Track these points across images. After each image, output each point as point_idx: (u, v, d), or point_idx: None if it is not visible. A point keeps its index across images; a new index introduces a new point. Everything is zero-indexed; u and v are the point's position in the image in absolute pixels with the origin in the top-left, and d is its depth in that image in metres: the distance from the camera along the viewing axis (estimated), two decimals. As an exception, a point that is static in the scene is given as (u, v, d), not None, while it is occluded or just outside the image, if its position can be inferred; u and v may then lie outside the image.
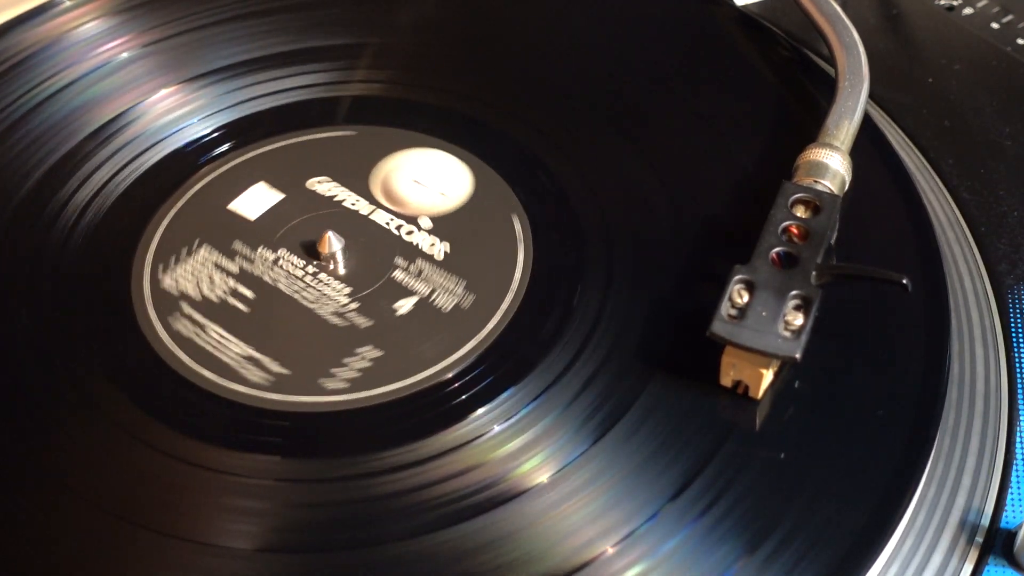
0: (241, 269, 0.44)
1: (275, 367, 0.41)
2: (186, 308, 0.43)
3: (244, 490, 0.37)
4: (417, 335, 0.41)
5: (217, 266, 0.44)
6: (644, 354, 0.40)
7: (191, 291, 0.43)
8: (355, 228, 0.45)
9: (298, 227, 0.46)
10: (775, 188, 0.42)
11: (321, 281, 0.44)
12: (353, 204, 0.46)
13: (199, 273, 0.44)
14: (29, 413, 0.40)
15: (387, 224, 0.45)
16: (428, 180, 0.47)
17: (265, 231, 0.46)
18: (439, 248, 0.44)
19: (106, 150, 0.50)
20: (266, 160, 0.49)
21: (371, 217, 0.46)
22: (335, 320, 0.42)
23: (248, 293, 0.43)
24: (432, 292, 0.42)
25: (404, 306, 0.42)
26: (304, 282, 0.44)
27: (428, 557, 0.35)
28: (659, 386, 0.39)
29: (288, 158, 0.49)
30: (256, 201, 0.47)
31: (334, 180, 0.48)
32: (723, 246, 0.43)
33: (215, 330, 0.42)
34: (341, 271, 0.44)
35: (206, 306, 0.43)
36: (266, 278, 0.44)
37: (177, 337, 0.42)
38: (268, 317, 0.43)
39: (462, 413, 0.39)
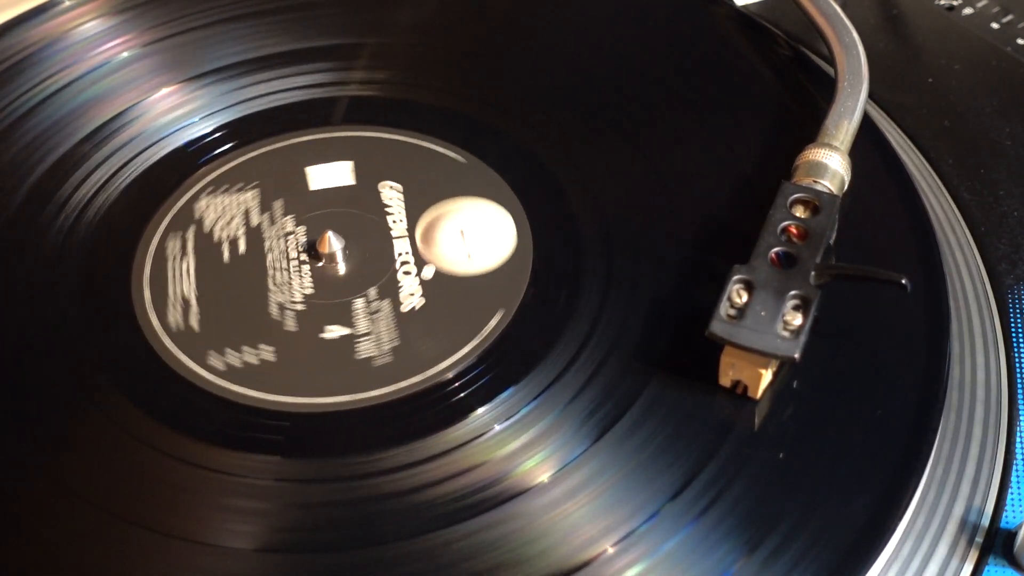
0: (258, 226, 0.45)
1: (193, 320, 0.41)
2: (190, 232, 0.43)
3: (244, 490, 0.37)
4: (314, 362, 0.41)
5: (246, 212, 0.44)
6: (644, 354, 0.40)
7: (208, 221, 0.44)
8: (374, 243, 0.45)
9: (332, 216, 0.46)
10: (774, 188, 0.42)
11: (300, 272, 0.44)
12: (394, 222, 0.46)
13: (229, 210, 0.44)
14: (29, 413, 0.40)
15: (398, 255, 0.45)
16: (472, 237, 0.45)
17: (308, 205, 0.47)
18: (413, 301, 0.43)
19: (106, 149, 0.50)
20: (363, 145, 0.49)
21: (394, 240, 0.45)
22: (274, 310, 0.42)
23: (242, 248, 0.44)
24: (365, 335, 0.42)
25: (332, 333, 0.42)
26: (287, 265, 0.44)
27: (428, 557, 0.35)
28: (659, 386, 0.39)
29: (387, 153, 0.49)
30: (330, 176, 0.47)
31: (403, 193, 0.47)
32: (722, 246, 0.43)
33: (189, 262, 0.42)
34: (323, 272, 0.44)
35: (203, 240, 0.44)
36: (266, 244, 0.44)
37: (159, 255, 0.43)
38: (233, 277, 0.43)
39: (462, 413, 0.39)
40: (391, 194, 0.47)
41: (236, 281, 0.44)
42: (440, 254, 0.45)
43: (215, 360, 0.41)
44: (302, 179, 0.48)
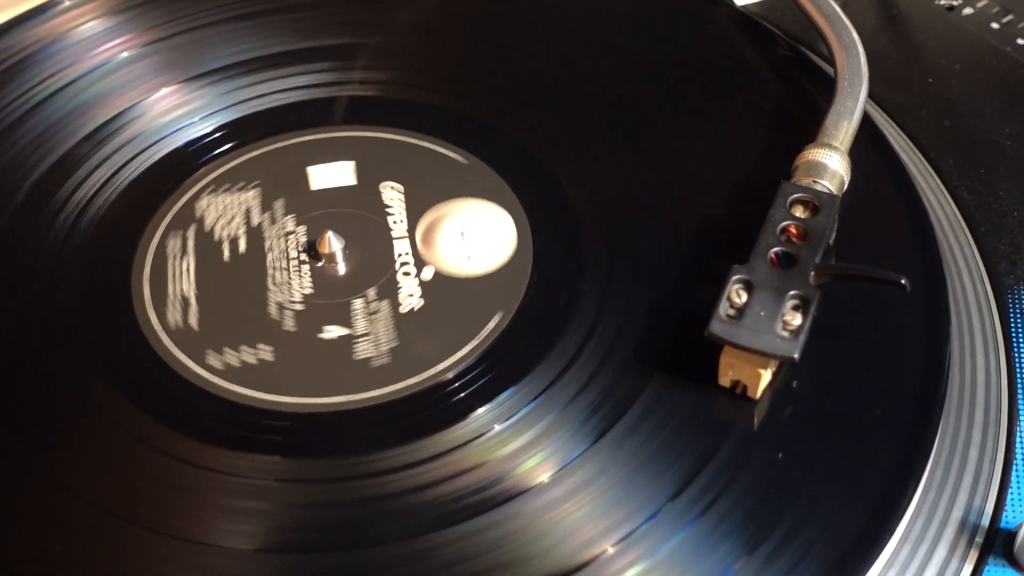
0: (259, 225, 0.45)
1: (192, 319, 0.41)
2: (190, 231, 0.43)
3: (244, 490, 0.37)
4: (313, 362, 0.41)
5: (247, 212, 0.44)
6: (643, 354, 0.40)
7: (209, 220, 0.44)
8: (374, 243, 0.45)
9: (332, 216, 0.46)
10: (774, 188, 0.42)
11: (299, 272, 0.44)
12: (395, 222, 0.46)
13: (230, 209, 0.44)
14: (29, 413, 0.40)
15: (398, 256, 0.45)
16: (472, 238, 0.45)
17: (309, 205, 0.47)
18: (412, 303, 0.43)
19: (106, 149, 0.50)
20: (364, 145, 0.49)
21: (394, 241, 0.45)
22: (273, 310, 0.42)
23: (243, 247, 0.44)
24: (363, 335, 0.42)
25: (330, 333, 0.42)
26: (287, 264, 0.44)
27: (428, 557, 0.35)
28: (658, 386, 0.39)
29: (388, 154, 0.49)
30: (331, 176, 0.47)
31: (404, 194, 0.47)
32: (722, 246, 0.43)
33: (189, 261, 0.42)
34: (323, 271, 0.44)
35: (203, 239, 0.44)
36: (266, 243, 0.44)
37: (159, 255, 0.43)
38: (232, 276, 0.43)
39: (463, 413, 0.39)
40: (392, 194, 0.47)
41: (236, 280, 0.44)
42: (440, 255, 0.45)
43: (213, 359, 0.41)
44: (303, 179, 0.48)
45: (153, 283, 0.44)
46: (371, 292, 0.43)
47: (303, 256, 0.45)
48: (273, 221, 0.46)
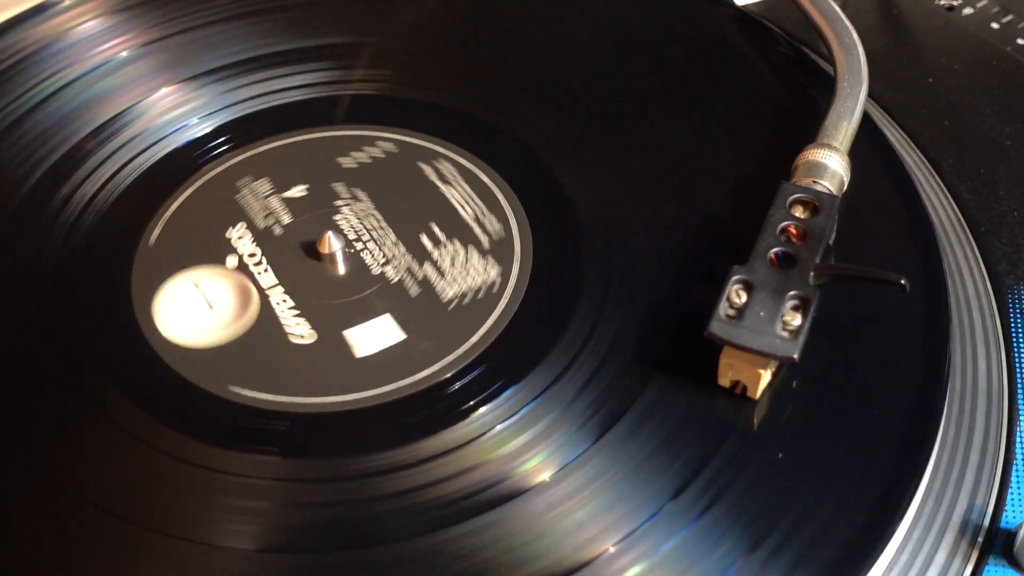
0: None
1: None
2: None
3: (244, 490, 0.37)
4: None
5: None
6: (643, 354, 0.40)
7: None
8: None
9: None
10: (774, 188, 0.42)
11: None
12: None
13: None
14: (29, 413, 0.40)
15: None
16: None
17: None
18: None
19: (106, 149, 0.50)
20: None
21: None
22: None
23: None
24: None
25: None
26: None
27: (428, 557, 0.35)
28: (658, 386, 0.39)
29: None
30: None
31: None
32: (722, 246, 0.43)
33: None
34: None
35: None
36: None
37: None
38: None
39: (462, 413, 0.39)
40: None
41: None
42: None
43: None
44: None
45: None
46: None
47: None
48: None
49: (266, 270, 0.44)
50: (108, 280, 0.44)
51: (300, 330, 0.42)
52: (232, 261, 0.45)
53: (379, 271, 0.44)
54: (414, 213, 0.46)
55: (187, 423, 0.39)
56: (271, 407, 0.40)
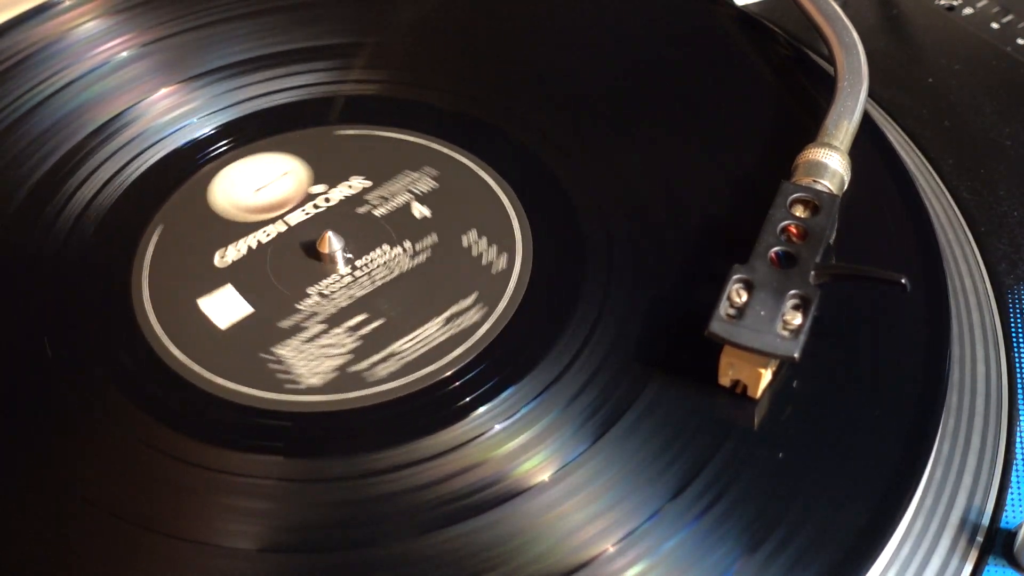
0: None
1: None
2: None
3: (245, 490, 0.37)
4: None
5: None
6: (643, 354, 0.40)
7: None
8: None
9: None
10: (774, 188, 0.42)
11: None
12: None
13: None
14: (29, 413, 0.40)
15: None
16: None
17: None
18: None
19: (106, 149, 0.50)
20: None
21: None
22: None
23: None
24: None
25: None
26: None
27: (428, 557, 0.35)
28: (658, 386, 0.39)
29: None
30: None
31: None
32: (722, 246, 0.43)
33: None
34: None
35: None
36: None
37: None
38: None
39: (462, 413, 0.39)
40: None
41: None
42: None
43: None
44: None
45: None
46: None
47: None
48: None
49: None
50: (108, 280, 0.44)
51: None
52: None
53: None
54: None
55: (187, 423, 0.39)
56: (271, 407, 0.40)
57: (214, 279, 0.44)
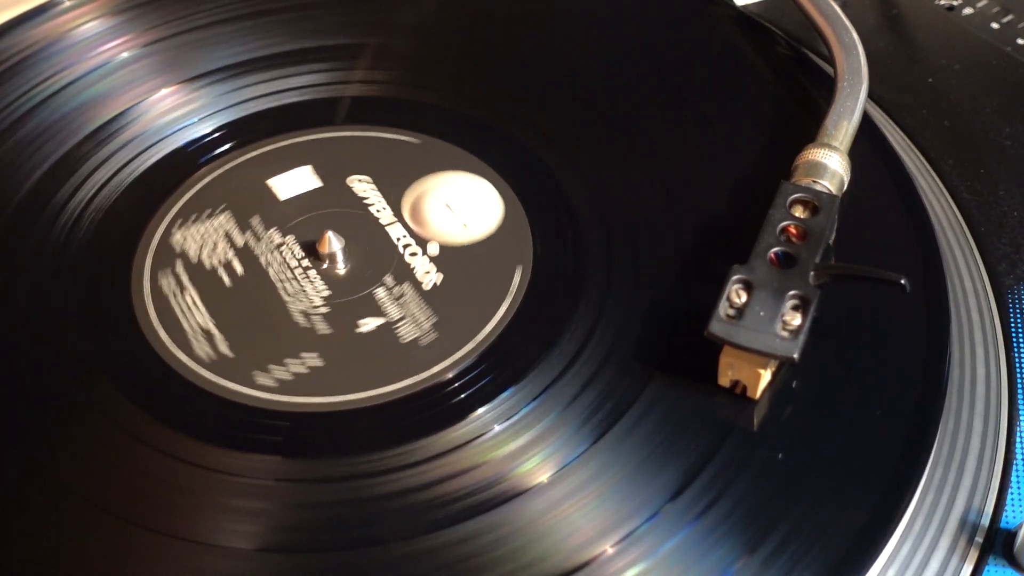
0: (245, 244, 0.45)
1: (223, 347, 0.41)
2: (179, 266, 0.43)
3: (244, 490, 0.37)
4: (363, 357, 0.41)
5: (227, 235, 0.44)
6: (643, 354, 0.40)
7: (192, 252, 0.44)
8: (367, 234, 0.45)
9: (316, 219, 0.46)
10: (774, 188, 0.42)
11: (308, 277, 0.44)
12: (378, 211, 0.46)
13: (208, 237, 0.44)
14: (29, 413, 0.40)
15: (397, 240, 0.45)
16: (459, 208, 0.46)
17: (286, 214, 0.46)
18: (431, 278, 0.43)
19: (106, 150, 0.50)
20: (318, 147, 0.49)
21: (387, 228, 0.46)
22: (299, 319, 0.42)
23: (239, 269, 0.44)
24: (400, 319, 0.42)
25: (367, 325, 0.42)
26: (293, 274, 0.44)
27: (428, 557, 0.35)
28: (658, 386, 0.39)
29: (341, 150, 0.49)
30: (294, 183, 0.48)
31: (374, 183, 0.47)
32: (722, 246, 0.43)
33: (192, 295, 0.42)
34: (331, 272, 0.44)
35: (196, 270, 0.44)
36: (261, 260, 0.44)
37: (156, 293, 0.43)
38: (243, 297, 0.43)
39: (462, 413, 0.39)
40: (362, 186, 0.47)
41: (248, 302, 0.43)
42: (438, 230, 0.45)
43: (263, 379, 0.40)
44: (268, 192, 0.48)
45: (153, 283, 0.44)
46: (388, 279, 0.43)
47: (305, 262, 0.44)
48: (258, 238, 0.45)
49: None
50: (108, 280, 0.44)
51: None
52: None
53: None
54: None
55: (188, 423, 0.39)
56: (271, 407, 0.40)
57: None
